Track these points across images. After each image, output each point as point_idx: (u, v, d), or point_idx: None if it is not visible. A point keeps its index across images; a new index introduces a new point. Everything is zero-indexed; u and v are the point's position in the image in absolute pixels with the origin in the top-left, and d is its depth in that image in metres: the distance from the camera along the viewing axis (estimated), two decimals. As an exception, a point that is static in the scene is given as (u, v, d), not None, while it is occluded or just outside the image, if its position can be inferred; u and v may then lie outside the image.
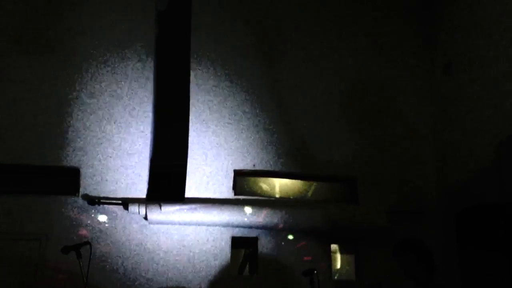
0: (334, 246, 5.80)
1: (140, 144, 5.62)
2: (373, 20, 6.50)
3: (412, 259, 3.36)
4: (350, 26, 6.42)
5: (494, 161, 5.01)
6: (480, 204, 5.00)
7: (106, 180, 5.45)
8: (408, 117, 6.25)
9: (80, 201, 5.35)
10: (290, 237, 5.58)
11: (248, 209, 5.35)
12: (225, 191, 5.62)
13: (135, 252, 5.30)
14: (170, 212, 5.27)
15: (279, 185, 5.93)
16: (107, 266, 5.20)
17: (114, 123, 5.66)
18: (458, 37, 5.92)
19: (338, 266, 5.87)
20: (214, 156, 5.72)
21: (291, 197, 5.89)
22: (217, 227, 5.46)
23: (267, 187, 5.91)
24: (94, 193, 5.39)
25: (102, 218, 5.34)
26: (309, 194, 5.98)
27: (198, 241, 5.44)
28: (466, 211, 5.17)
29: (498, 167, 4.92)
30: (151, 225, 5.38)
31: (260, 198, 5.71)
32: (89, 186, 5.41)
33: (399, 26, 6.54)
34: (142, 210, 5.26)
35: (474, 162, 5.40)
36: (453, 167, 5.80)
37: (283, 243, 5.56)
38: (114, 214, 5.36)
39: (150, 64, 5.85)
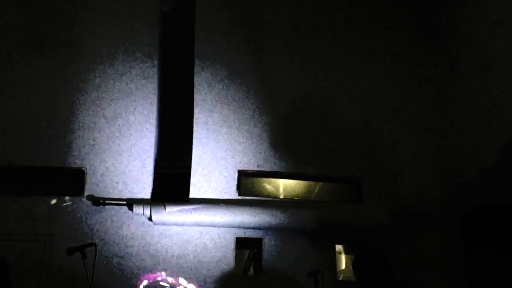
0: (338, 247, 5.77)
1: (144, 145, 5.63)
2: (376, 22, 6.45)
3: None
4: (351, 27, 6.37)
5: (499, 160, 4.97)
6: (486, 205, 4.96)
7: (111, 181, 5.46)
8: (413, 117, 6.21)
9: (85, 202, 5.36)
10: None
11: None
12: (229, 191, 5.62)
13: (139, 253, 5.30)
14: (174, 213, 5.28)
15: (283, 186, 5.92)
16: (112, 267, 5.21)
17: (119, 124, 5.66)
18: (463, 38, 5.88)
19: (343, 266, 5.85)
20: (218, 156, 5.71)
21: (295, 198, 5.87)
22: (222, 227, 5.46)
23: (272, 187, 5.89)
24: (98, 194, 5.40)
25: (107, 219, 5.34)
26: (314, 194, 5.96)
27: (202, 241, 5.43)
28: (472, 212, 5.13)
29: (503, 167, 4.88)
30: (156, 226, 5.38)
31: (265, 198, 5.70)
32: (93, 187, 5.42)
33: (403, 27, 6.49)
34: (147, 210, 5.27)
35: (480, 162, 5.36)
36: (458, 167, 5.76)
37: (287, 244, 5.55)
38: (118, 215, 5.37)
39: (154, 65, 5.85)
